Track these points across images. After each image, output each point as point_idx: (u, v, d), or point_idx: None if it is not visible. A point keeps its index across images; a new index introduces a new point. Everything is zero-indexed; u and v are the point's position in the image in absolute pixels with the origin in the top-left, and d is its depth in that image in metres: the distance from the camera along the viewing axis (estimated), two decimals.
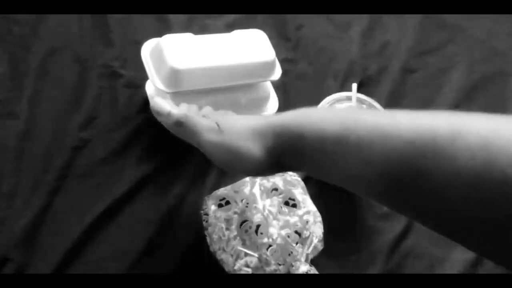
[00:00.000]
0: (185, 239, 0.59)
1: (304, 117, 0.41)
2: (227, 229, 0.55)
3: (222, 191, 0.58)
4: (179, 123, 0.47)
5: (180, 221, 0.60)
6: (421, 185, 0.32)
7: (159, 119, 0.49)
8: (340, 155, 0.37)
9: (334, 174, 0.39)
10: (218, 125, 0.46)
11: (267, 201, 0.57)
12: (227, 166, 0.46)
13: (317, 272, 0.55)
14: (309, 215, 0.57)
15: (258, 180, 0.58)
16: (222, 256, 0.55)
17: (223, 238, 0.55)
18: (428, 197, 0.32)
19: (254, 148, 0.43)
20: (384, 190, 0.36)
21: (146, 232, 0.59)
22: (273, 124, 0.43)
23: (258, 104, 0.69)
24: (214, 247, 0.55)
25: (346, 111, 0.43)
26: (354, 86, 0.63)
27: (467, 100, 0.79)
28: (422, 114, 0.35)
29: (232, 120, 0.46)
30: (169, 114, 0.47)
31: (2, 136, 0.62)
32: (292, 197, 0.59)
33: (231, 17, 0.80)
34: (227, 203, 0.57)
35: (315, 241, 0.56)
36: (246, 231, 0.55)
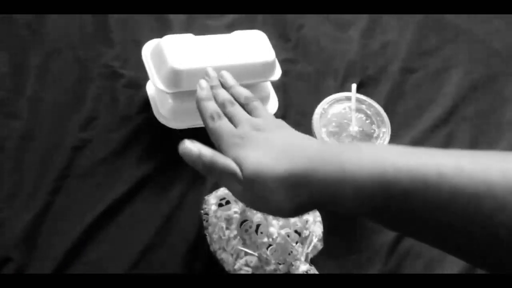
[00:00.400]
0: (185, 239, 0.59)
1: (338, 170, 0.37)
2: (227, 228, 0.55)
3: (222, 190, 0.58)
4: (207, 170, 0.44)
5: (180, 221, 0.60)
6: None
7: (189, 163, 0.45)
8: (404, 212, 0.35)
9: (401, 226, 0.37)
10: (241, 170, 0.42)
11: None
12: (254, 209, 0.45)
13: (316, 272, 0.55)
14: (308, 215, 0.57)
15: None
16: (222, 255, 0.55)
17: (223, 237, 0.55)
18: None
19: (283, 201, 0.40)
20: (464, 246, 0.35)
21: (146, 232, 0.59)
22: (307, 177, 0.38)
23: None
24: (214, 246, 0.55)
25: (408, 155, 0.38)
26: (354, 86, 0.63)
27: (466, 100, 0.79)
28: None
29: (260, 166, 0.41)
30: (198, 157, 0.44)
31: (2, 136, 0.62)
32: None
33: (231, 17, 0.80)
34: (227, 202, 0.57)
35: (315, 240, 0.56)
36: (246, 230, 0.55)
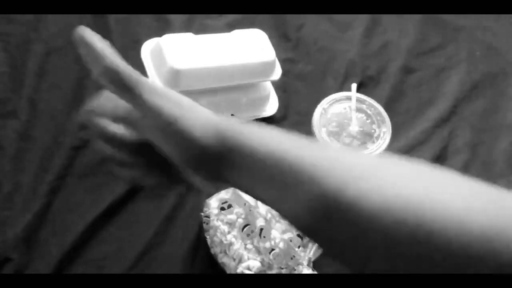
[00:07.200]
0: (185, 239, 0.59)
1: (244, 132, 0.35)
2: (229, 232, 0.55)
3: (224, 194, 0.58)
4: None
5: (180, 222, 0.60)
6: None
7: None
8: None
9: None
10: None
11: None
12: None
13: None
14: None
15: None
16: (223, 259, 0.54)
17: (225, 241, 0.54)
18: None
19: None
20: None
21: (146, 232, 0.59)
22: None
23: (258, 104, 0.69)
24: (215, 250, 0.55)
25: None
26: (354, 86, 0.63)
27: (467, 100, 0.79)
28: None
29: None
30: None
31: (2, 136, 0.62)
32: None
33: (231, 17, 0.80)
34: (229, 206, 0.57)
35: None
36: (248, 235, 0.54)
